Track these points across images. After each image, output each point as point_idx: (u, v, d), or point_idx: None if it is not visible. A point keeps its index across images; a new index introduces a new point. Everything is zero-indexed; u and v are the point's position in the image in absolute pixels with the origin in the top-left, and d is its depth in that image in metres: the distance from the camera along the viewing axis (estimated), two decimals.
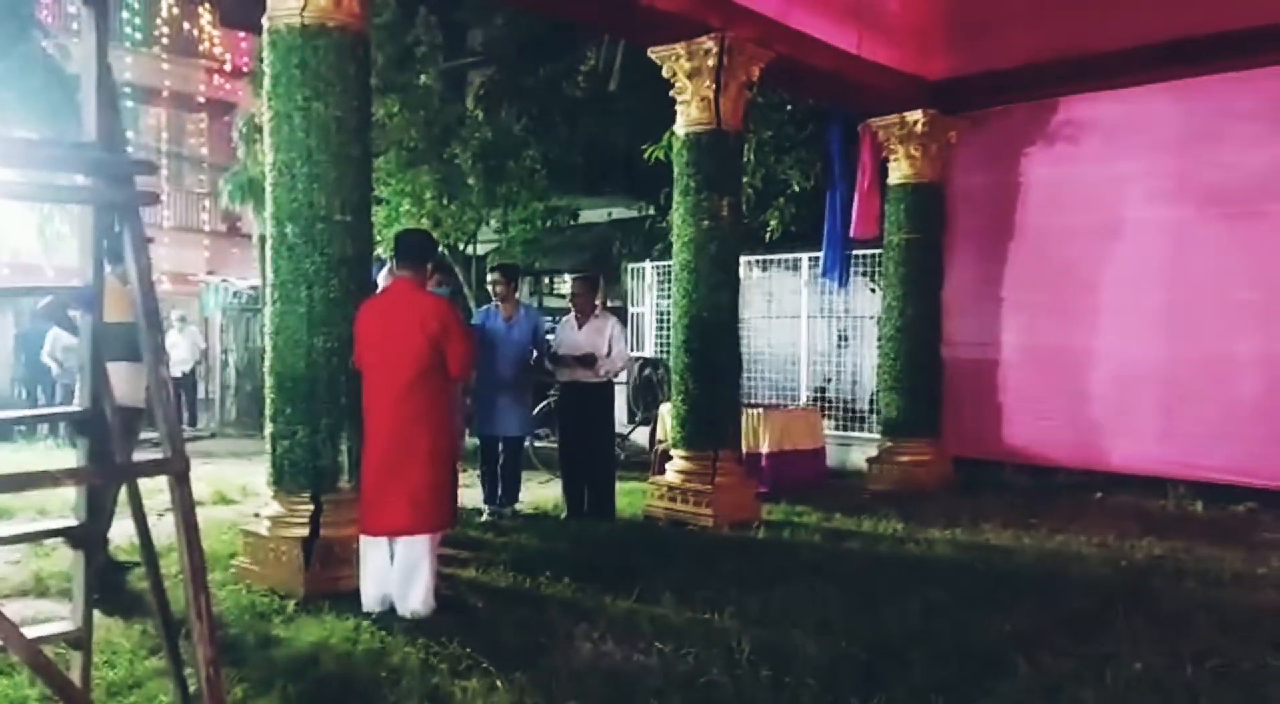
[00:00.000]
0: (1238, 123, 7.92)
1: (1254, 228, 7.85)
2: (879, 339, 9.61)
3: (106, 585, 4.72)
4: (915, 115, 9.01)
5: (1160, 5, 7.70)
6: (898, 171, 9.29)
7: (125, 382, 4.69)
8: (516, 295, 7.57)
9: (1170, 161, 8.26)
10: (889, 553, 6.44)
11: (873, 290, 10.25)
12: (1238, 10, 7.36)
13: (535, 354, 7.37)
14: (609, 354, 7.16)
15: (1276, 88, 7.72)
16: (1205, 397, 8.02)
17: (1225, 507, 7.91)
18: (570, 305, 7.57)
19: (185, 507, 2.37)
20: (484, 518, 7.18)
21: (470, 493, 7.43)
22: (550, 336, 7.68)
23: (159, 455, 2.45)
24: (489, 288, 7.61)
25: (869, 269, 10.29)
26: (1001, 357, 9.27)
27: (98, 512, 2.69)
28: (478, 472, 7.52)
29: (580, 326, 7.22)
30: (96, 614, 4.05)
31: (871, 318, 10.24)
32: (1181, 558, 6.28)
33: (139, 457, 2.94)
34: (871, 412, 10.29)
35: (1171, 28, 7.64)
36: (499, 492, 7.35)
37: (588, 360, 7.07)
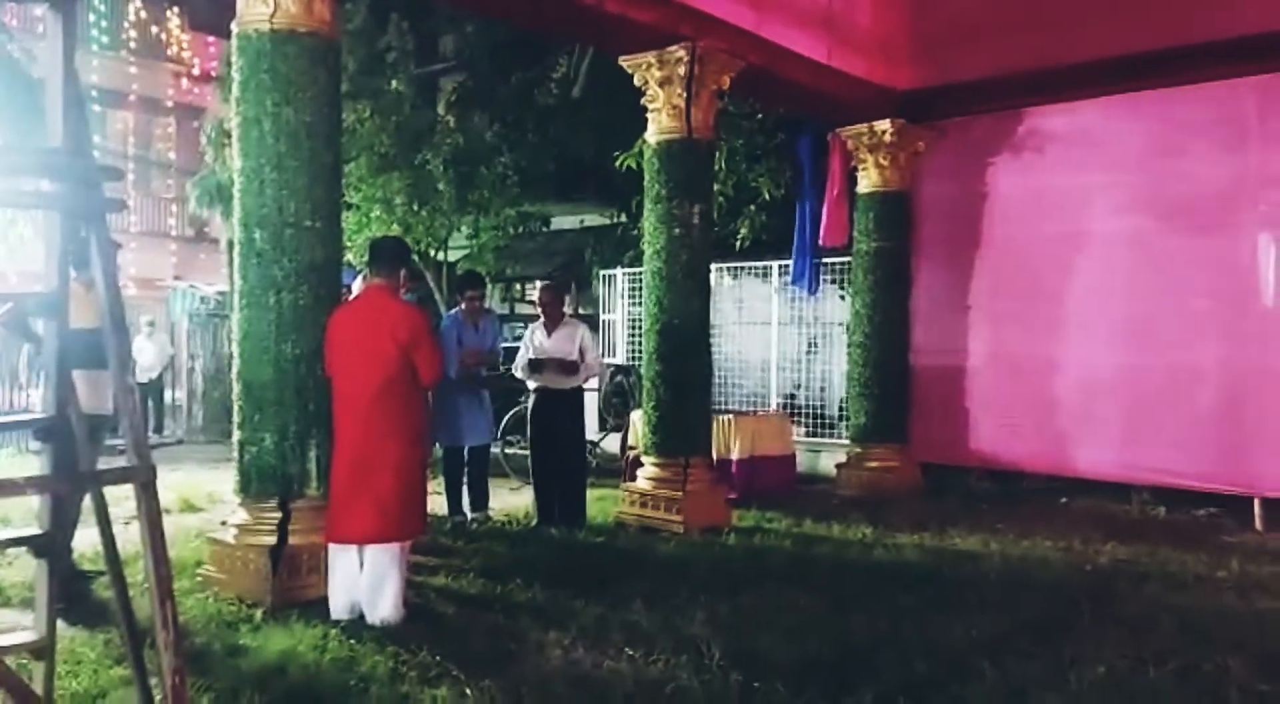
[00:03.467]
0: (1196, 135, 8.05)
1: (1214, 238, 7.98)
2: (848, 346, 9.68)
3: (71, 595, 4.67)
4: (884, 125, 9.11)
5: (1119, 20, 7.87)
6: (867, 180, 9.38)
7: (89, 389, 4.65)
8: (488, 303, 7.60)
9: (1131, 173, 8.38)
10: (858, 558, 6.48)
11: (842, 298, 10.33)
12: (1193, 25, 7.55)
13: (499, 359, 7.39)
14: (585, 360, 7.17)
15: (1234, 100, 7.87)
16: (1168, 404, 8.14)
17: (1188, 511, 8.03)
18: (539, 312, 7.55)
19: (151, 514, 2.35)
20: (468, 520, 7.17)
21: (438, 500, 7.39)
22: (515, 343, 7.71)
23: (124, 463, 2.43)
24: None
25: (838, 277, 10.37)
26: (968, 364, 9.37)
27: (61, 520, 2.66)
28: (442, 484, 7.45)
29: (550, 333, 7.22)
30: (61, 624, 4.01)
31: (841, 325, 10.32)
32: (1144, 562, 6.37)
33: (105, 464, 2.91)
34: (841, 418, 10.36)
35: (1130, 42, 7.81)
36: (464, 502, 7.33)
37: (570, 367, 7.08)
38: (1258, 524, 7.61)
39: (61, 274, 2.41)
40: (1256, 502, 7.69)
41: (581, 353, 7.15)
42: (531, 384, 7.31)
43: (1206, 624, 4.91)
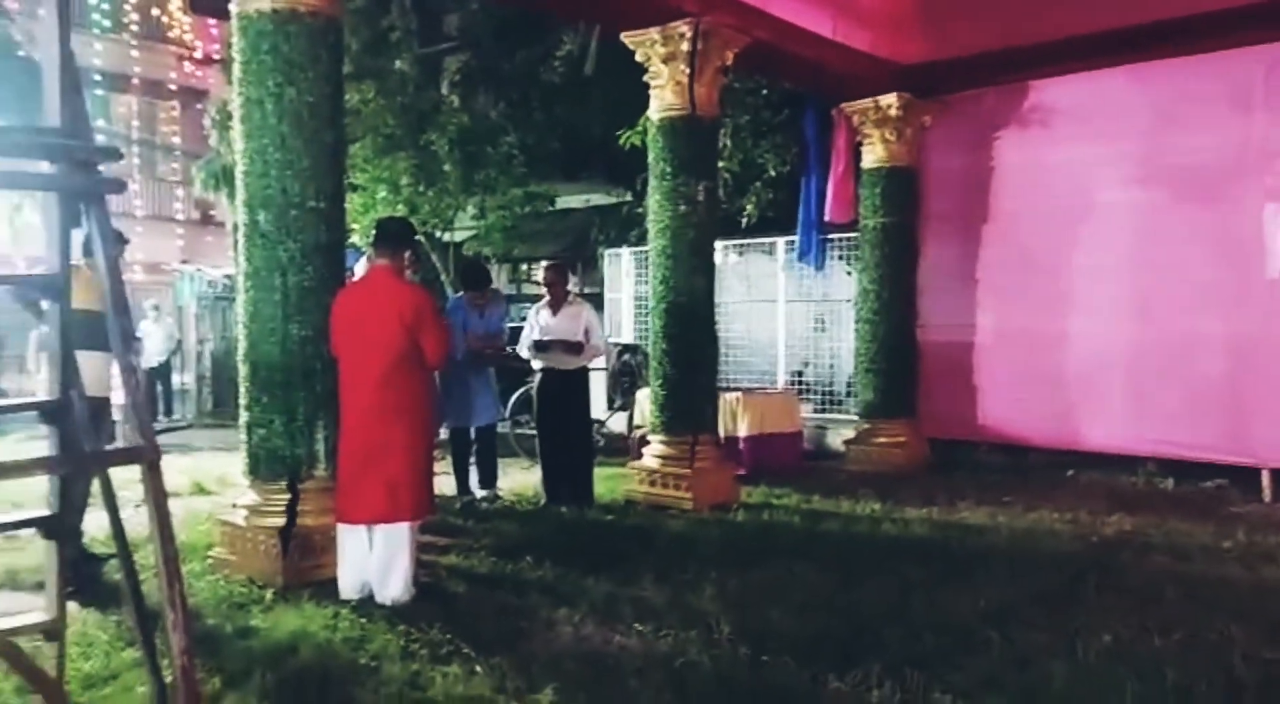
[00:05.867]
0: (1203, 106, 7.98)
1: (1220, 209, 7.93)
2: (855, 322, 9.67)
3: (82, 577, 4.71)
4: (889, 99, 9.05)
5: None
6: (872, 155, 9.33)
7: (94, 371, 4.67)
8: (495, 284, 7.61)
9: (1137, 144, 8.33)
10: (866, 533, 6.50)
11: (849, 273, 10.30)
12: None
13: (505, 340, 7.40)
14: (590, 340, 7.17)
15: (1241, 70, 7.80)
16: (1175, 376, 8.11)
17: (1195, 483, 8.02)
18: (544, 292, 7.52)
19: (157, 495, 2.36)
20: (477, 499, 7.21)
21: (446, 480, 7.42)
22: (521, 323, 7.71)
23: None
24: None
25: (845, 253, 10.33)
26: (975, 338, 9.34)
27: (69, 502, 2.68)
28: (449, 465, 7.48)
29: (555, 313, 7.21)
30: (73, 606, 4.06)
31: (848, 301, 10.29)
32: (1151, 533, 6.37)
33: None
34: (848, 394, 10.36)
35: (1137, 12, 7.70)
36: (473, 482, 7.36)
37: (575, 347, 7.08)
38: (1265, 495, 7.60)
39: (63, 256, 2.41)
40: (1264, 473, 7.68)
41: (586, 333, 7.15)
42: (537, 364, 7.32)
43: (1212, 594, 4.93)
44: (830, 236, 10.27)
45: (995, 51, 8.66)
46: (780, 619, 4.41)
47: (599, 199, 16.12)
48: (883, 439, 9.22)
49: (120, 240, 4.91)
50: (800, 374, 11.01)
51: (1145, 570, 5.43)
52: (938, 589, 4.96)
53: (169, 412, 14.48)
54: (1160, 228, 8.23)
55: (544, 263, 7.64)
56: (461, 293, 7.59)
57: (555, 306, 7.23)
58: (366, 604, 4.65)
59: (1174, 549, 5.94)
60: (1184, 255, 8.10)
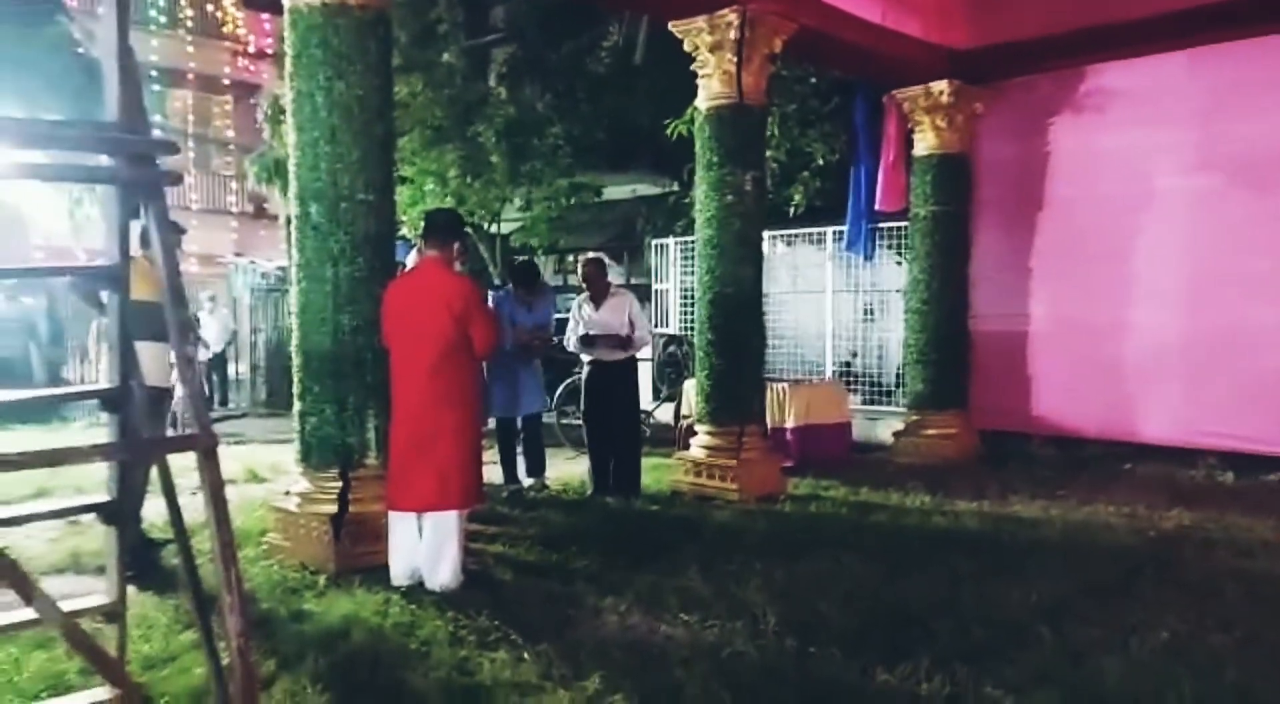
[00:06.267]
0: (1263, 90, 7.77)
1: (1279, 196, 7.71)
2: (905, 312, 9.56)
3: (142, 563, 4.82)
4: (940, 86, 8.92)
5: None
6: (923, 143, 9.20)
7: (153, 361, 4.77)
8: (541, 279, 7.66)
9: (1195, 130, 8.13)
10: (915, 525, 6.43)
11: (899, 263, 10.19)
12: None
13: (553, 332, 7.43)
14: (634, 331, 7.17)
15: None
16: (1234, 365, 7.92)
17: (1256, 476, 7.82)
18: (584, 286, 7.48)
19: (213, 482, 2.41)
20: (524, 488, 7.27)
21: (494, 470, 7.47)
22: (561, 316, 7.73)
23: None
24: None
25: (895, 242, 10.22)
26: (1029, 328, 9.20)
27: (128, 488, 2.74)
28: (496, 455, 7.53)
29: (598, 306, 7.21)
30: (133, 590, 4.15)
31: (897, 291, 10.18)
32: (1210, 528, 6.23)
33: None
34: (898, 386, 10.25)
35: None
36: (520, 471, 7.41)
37: (624, 342, 7.09)
38: None
39: (122, 247, 2.46)
40: None
41: (631, 323, 7.14)
42: (585, 356, 7.33)
43: (1274, 591, 4.81)
44: (880, 226, 10.16)
45: (1049, 36, 8.49)
46: (827, 611, 4.38)
47: (645, 189, 16.09)
48: (932, 431, 9.11)
49: (177, 230, 5.00)
50: (848, 365, 10.92)
51: (1204, 566, 5.31)
52: (988, 582, 4.89)
53: (224, 402, 14.77)
54: (1217, 215, 8.04)
55: (582, 257, 7.62)
56: (509, 286, 7.62)
57: (598, 300, 7.22)
58: (416, 590, 4.71)
59: (1234, 544, 5.80)
60: (1242, 243, 7.91)
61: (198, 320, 13.13)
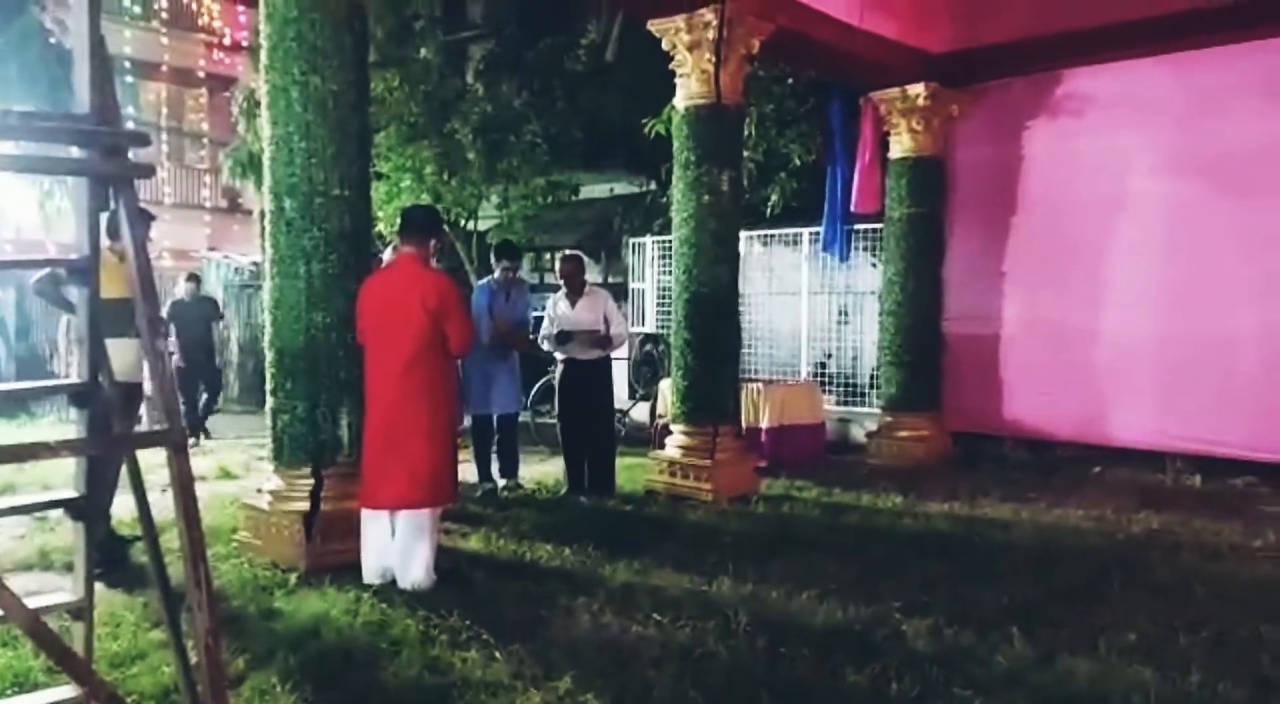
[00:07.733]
0: (1239, 96, 7.86)
1: (1254, 202, 7.82)
2: (880, 314, 9.61)
3: (110, 560, 4.77)
4: (917, 89, 8.97)
5: None
6: (899, 145, 9.26)
7: (123, 357, 4.70)
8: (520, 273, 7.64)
9: (1171, 135, 8.22)
10: (887, 526, 6.46)
11: (874, 265, 10.23)
12: None
13: (530, 329, 7.41)
14: (610, 329, 7.16)
15: (1276, 60, 7.66)
16: (1204, 371, 8.02)
17: (1224, 480, 7.92)
18: (562, 283, 7.47)
19: (183, 477, 2.38)
20: (498, 488, 7.23)
21: (469, 468, 7.44)
22: (539, 313, 7.72)
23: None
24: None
25: (870, 244, 10.27)
26: (1002, 331, 9.27)
27: (98, 484, 2.70)
28: (471, 453, 7.50)
29: (573, 304, 7.19)
30: (101, 588, 4.10)
31: (872, 293, 10.23)
32: (1178, 531, 6.30)
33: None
34: (872, 387, 10.30)
35: (1170, 0, 7.59)
36: (494, 470, 7.38)
37: (602, 340, 7.08)
38: None
39: (92, 240, 2.43)
40: None
41: (606, 322, 7.14)
42: (559, 354, 7.32)
43: (1240, 593, 4.87)
44: (855, 227, 10.21)
45: (1026, 40, 8.57)
46: (799, 611, 4.41)
47: (622, 188, 16.09)
48: (905, 432, 9.17)
49: (146, 217, 4.94)
50: (823, 366, 10.97)
51: (1172, 568, 5.37)
52: (959, 584, 4.93)
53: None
54: (1191, 221, 8.13)
55: (560, 254, 7.62)
56: (487, 278, 7.58)
57: (574, 297, 7.21)
58: (388, 589, 4.68)
59: (1202, 547, 5.87)
60: (1215, 249, 8.00)
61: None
